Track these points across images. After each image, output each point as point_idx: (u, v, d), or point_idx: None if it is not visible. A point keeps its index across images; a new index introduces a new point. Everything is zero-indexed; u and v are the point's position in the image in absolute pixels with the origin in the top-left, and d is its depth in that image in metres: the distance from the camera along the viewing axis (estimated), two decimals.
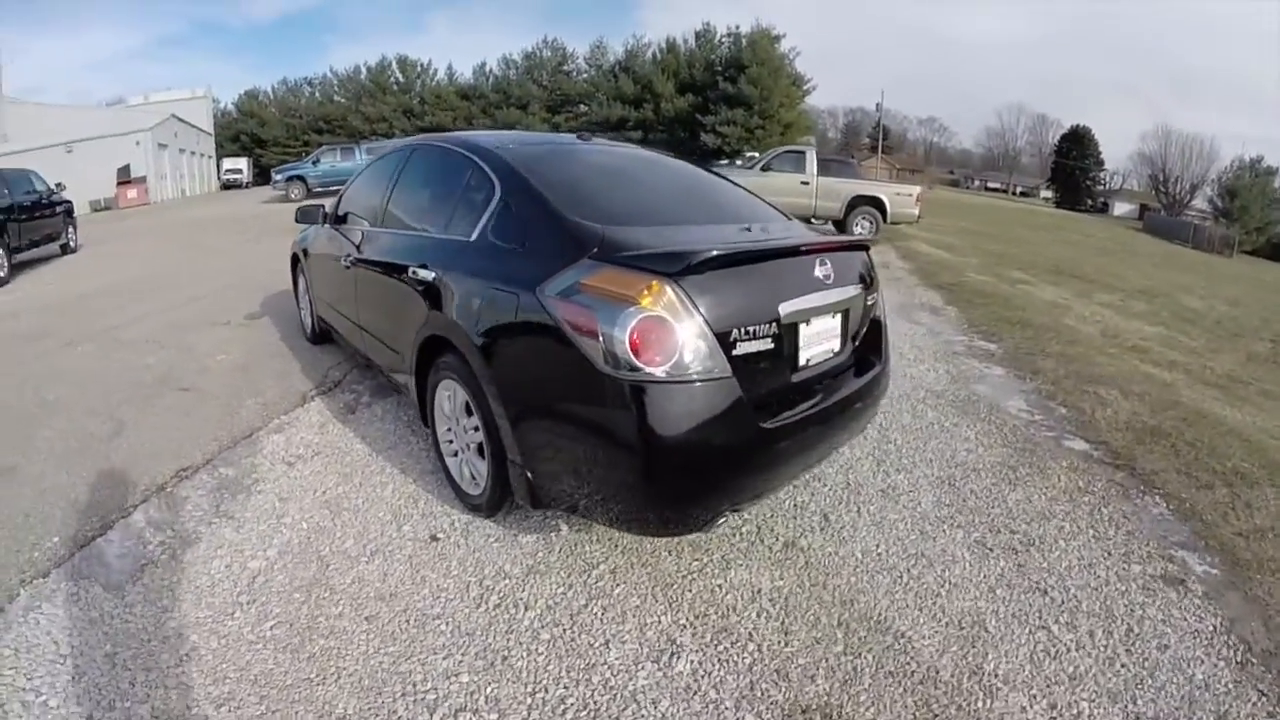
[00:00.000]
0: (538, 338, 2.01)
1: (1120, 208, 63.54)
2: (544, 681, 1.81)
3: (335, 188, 19.40)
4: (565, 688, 1.79)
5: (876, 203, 11.59)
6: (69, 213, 11.66)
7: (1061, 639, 2.02)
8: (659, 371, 1.76)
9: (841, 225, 11.56)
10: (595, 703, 1.74)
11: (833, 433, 2.34)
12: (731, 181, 3.24)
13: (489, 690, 1.78)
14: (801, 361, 2.18)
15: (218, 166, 36.24)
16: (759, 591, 2.20)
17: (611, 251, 1.95)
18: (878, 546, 2.47)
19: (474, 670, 1.85)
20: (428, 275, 2.58)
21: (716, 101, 32.49)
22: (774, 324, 2.00)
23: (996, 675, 1.87)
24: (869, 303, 2.60)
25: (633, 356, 1.75)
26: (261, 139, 40.28)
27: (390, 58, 40.25)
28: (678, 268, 1.82)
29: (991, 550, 2.46)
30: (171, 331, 5.36)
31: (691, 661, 1.89)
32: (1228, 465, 3.24)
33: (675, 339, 1.78)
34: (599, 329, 1.79)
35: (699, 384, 1.81)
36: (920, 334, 5.60)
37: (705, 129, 32.34)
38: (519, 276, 2.11)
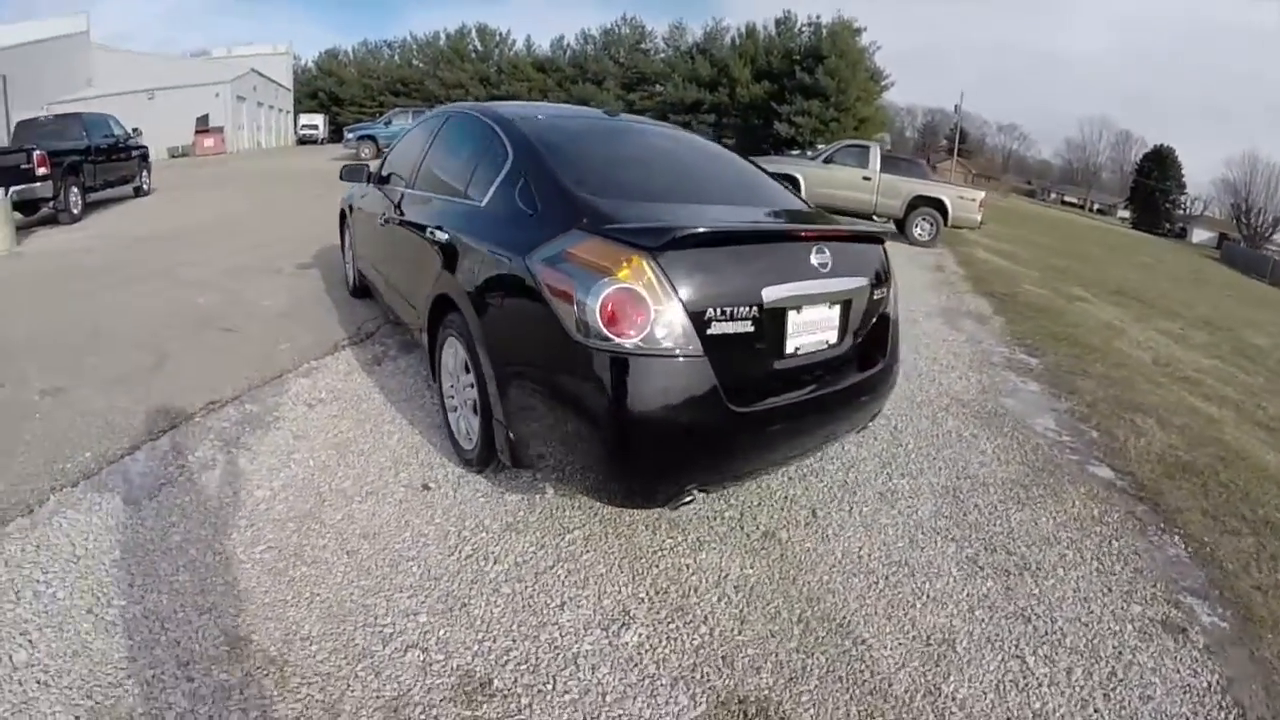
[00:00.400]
0: (523, 302, 2.07)
1: (1199, 235, 59.60)
2: (494, 632, 1.88)
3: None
4: (513, 640, 1.86)
5: (938, 204, 11.16)
6: (144, 157, 12.32)
7: (1035, 671, 1.93)
8: (628, 343, 1.79)
9: (902, 225, 11.21)
10: (537, 658, 1.80)
11: (822, 425, 2.31)
12: (760, 167, 3.20)
13: (441, 632, 1.86)
14: (789, 349, 2.15)
15: (295, 121, 37.56)
16: (725, 576, 2.21)
17: (600, 223, 1.99)
18: (860, 548, 2.44)
19: (433, 612, 1.94)
20: (442, 237, 2.67)
21: (792, 91, 31.81)
22: (755, 308, 1.98)
23: (954, 699, 1.81)
24: (876, 297, 2.50)
25: (603, 326, 1.78)
26: (339, 97, 41.48)
27: (470, 25, 40.83)
28: (658, 243, 1.84)
29: (981, 569, 2.39)
30: (226, 275, 5.67)
31: (640, 634, 1.92)
32: (1260, 513, 3.04)
33: (648, 313, 1.80)
34: (575, 296, 1.83)
35: (668, 359, 1.82)
36: (959, 341, 5.41)
37: (780, 118, 31.73)
38: (514, 242, 2.17)
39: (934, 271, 9.00)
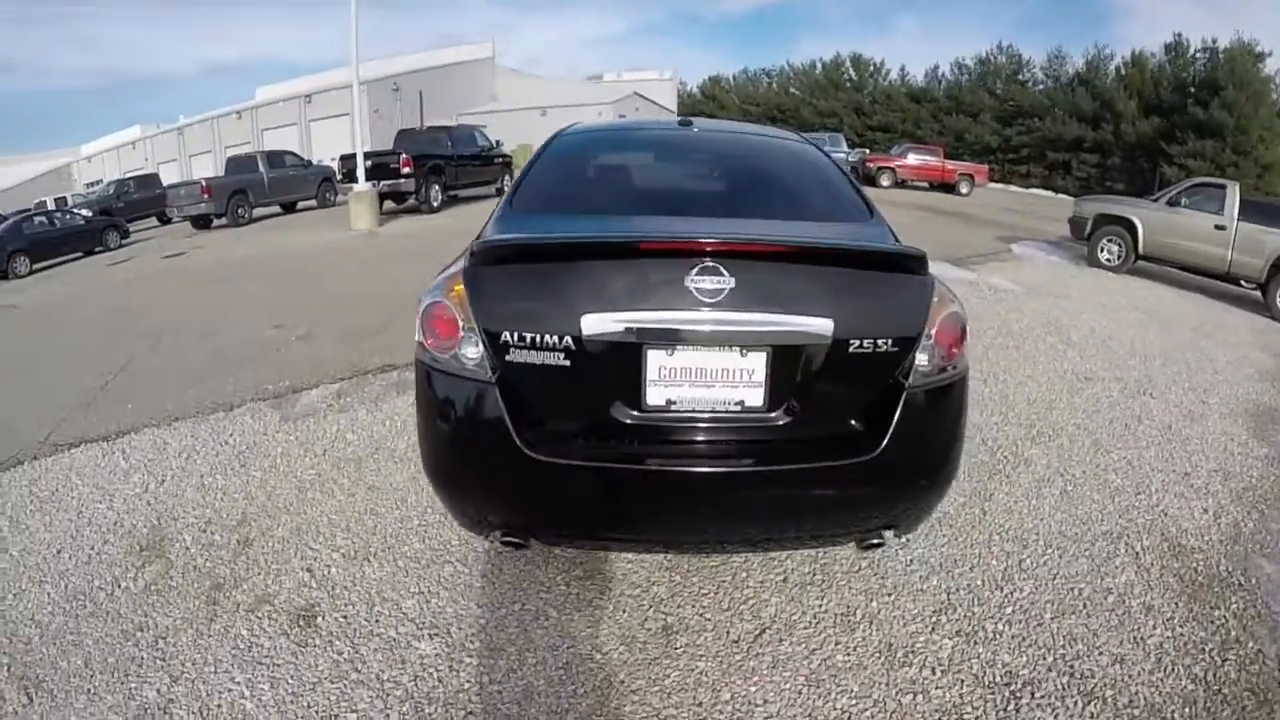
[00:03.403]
0: None
1: None
2: None
3: None
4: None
5: None
6: (507, 164, 15.59)
7: None
8: (440, 358, 1.73)
9: (1265, 290, 7.87)
10: None
11: (732, 514, 1.79)
12: (853, 182, 2.59)
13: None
14: (653, 400, 1.69)
15: None
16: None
17: (483, 240, 1.91)
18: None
19: None
20: None
21: (1184, 128, 25.54)
22: (569, 339, 1.63)
23: None
24: (872, 351, 1.71)
25: (423, 339, 1.76)
26: None
27: (844, 55, 41.07)
28: (473, 260, 1.76)
29: None
30: None
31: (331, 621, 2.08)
32: None
33: (447, 328, 1.71)
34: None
35: (458, 380, 1.70)
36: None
37: (1169, 160, 25.61)
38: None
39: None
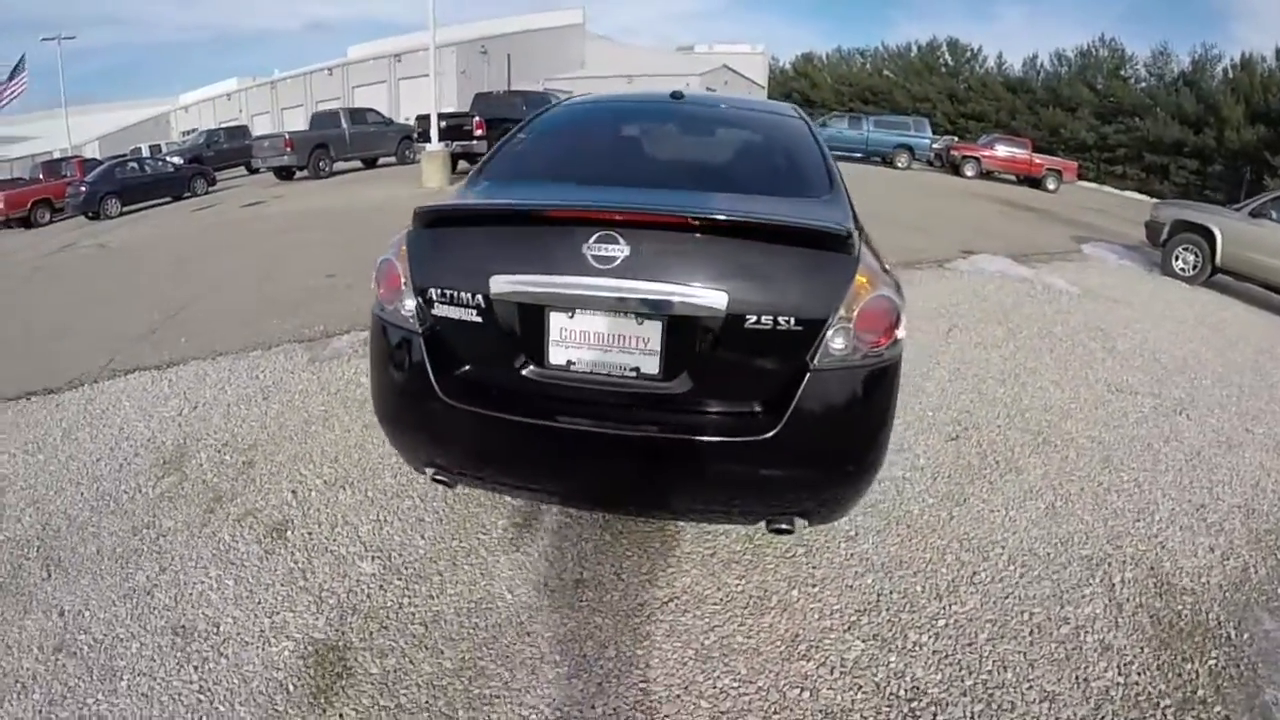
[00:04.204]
0: None
1: None
2: None
3: (838, 151, 20.73)
4: None
5: None
6: None
7: None
8: (377, 307, 1.98)
9: None
10: None
11: (617, 477, 1.86)
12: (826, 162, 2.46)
13: None
14: (555, 360, 1.78)
15: None
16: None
17: (421, 207, 2.01)
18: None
19: None
20: None
21: None
22: (481, 297, 1.76)
23: None
24: (771, 328, 1.68)
25: (375, 288, 1.97)
26: (811, 100, 44.04)
27: (941, 39, 38.98)
28: (414, 224, 1.91)
29: None
30: None
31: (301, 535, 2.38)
32: None
33: (393, 283, 1.89)
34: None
35: (395, 328, 1.91)
36: None
37: (1274, 172, 23.16)
38: None
39: None
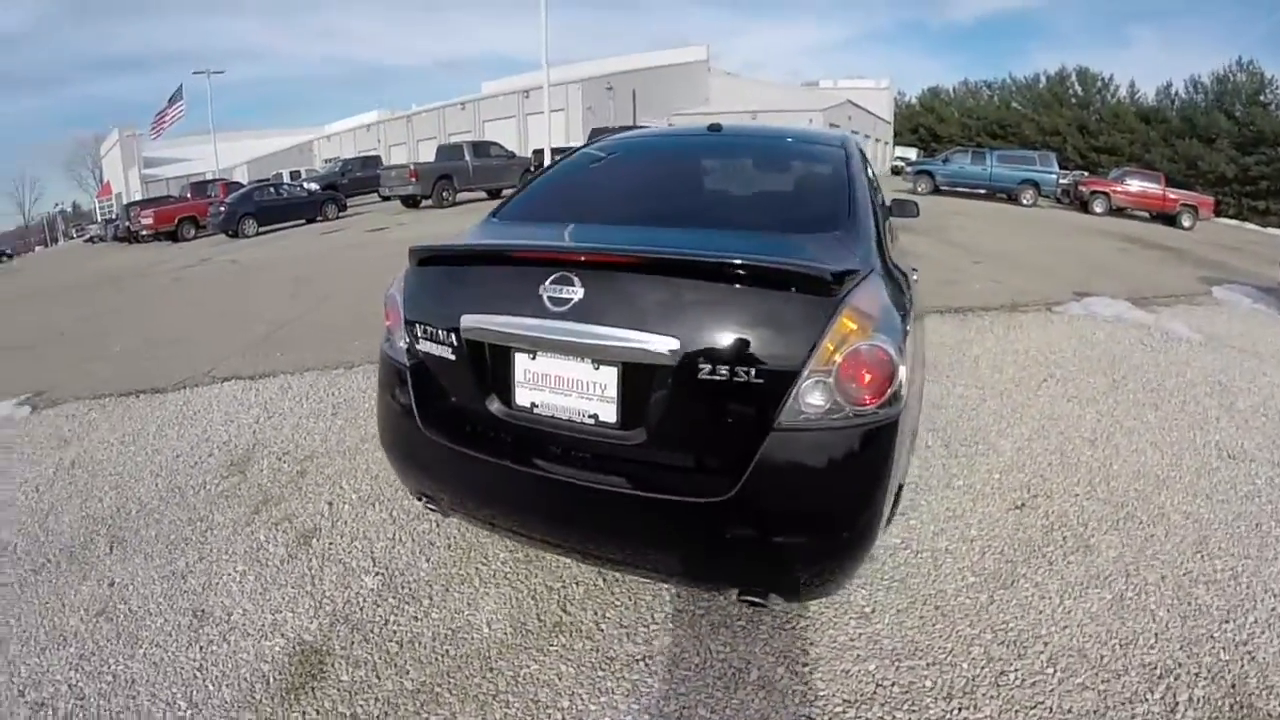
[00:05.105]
0: None
1: None
2: None
3: (960, 187, 20.03)
4: None
5: None
6: None
7: None
8: (383, 338, 2.12)
9: None
10: None
11: (571, 526, 1.82)
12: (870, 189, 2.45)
13: None
14: (520, 401, 1.78)
15: (891, 152, 40.05)
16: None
17: (414, 246, 2.12)
18: None
19: None
20: None
21: None
22: (453, 334, 1.82)
23: None
24: (730, 380, 1.55)
25: (385, 319, 2.11)
26: (938, 134, 42.70)
27: (1070, 69, 36.49)
28: (410, 262, 2.04)
29: None
30: None
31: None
32: None
33: (393, 317, 2.05)
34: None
35: (391, 361, 2.06)
36: None
37: None
38: None
39: None
